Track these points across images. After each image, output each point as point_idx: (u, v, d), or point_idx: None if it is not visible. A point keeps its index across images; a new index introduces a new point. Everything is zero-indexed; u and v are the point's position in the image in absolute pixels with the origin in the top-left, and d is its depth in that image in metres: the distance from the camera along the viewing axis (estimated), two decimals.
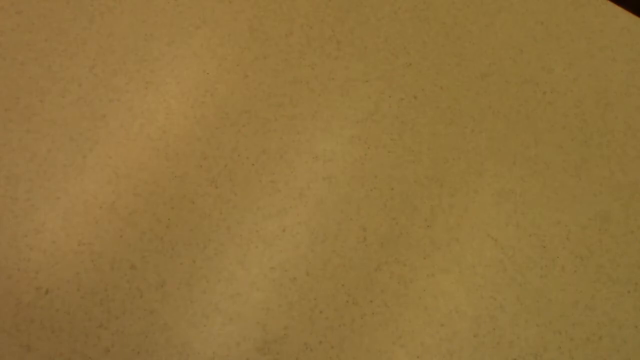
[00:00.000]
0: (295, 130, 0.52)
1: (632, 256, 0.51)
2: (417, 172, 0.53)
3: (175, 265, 0.47)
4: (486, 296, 0.48)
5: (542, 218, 0.52)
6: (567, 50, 0.59)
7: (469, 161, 0.53)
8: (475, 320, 0.47)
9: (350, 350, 0.46)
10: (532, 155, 0.54)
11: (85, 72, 0.53)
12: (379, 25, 0.58)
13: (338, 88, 0.55)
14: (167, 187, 0.50)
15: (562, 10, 0.62)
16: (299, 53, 0.56)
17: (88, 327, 0.45)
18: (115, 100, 0.52)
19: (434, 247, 0.50)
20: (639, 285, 0.50)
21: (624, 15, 0.62)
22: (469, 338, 0.47)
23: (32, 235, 0.47)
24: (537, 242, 0.51)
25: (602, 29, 0.61)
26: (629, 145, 0.56)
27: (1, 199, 0.48)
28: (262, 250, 0.48)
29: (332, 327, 0.46)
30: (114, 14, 0.55)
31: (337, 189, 0.51)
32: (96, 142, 0.50)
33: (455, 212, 0.51)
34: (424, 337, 0.47)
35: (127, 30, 0.55)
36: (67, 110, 0.51)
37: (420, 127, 0.54)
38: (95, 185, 0.49)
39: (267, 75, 0.54)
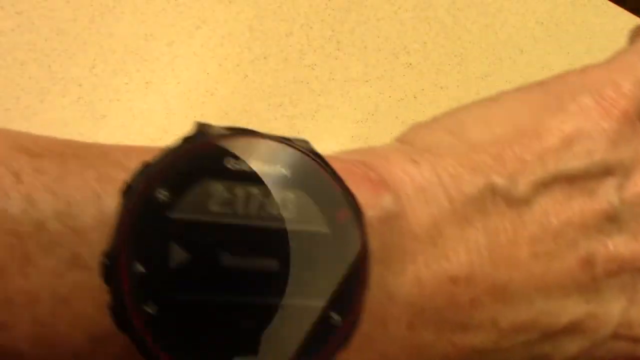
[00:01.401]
0: (295, 130, 0.52)
1: None
2: None
3: None
4: None
5: None
6: (567, 50, 0.60)
7: None
8: None
9: None
10: None
11: (85, 72, 0.53)
12: (379, 25, 0.58)
13: (338, 88, 0.55)
14: None
15: (562, 10, 0.62)
16: (299, 53, 0.56)
17: None
18: (115, 100, 0.52)
19: None
20: None
21: (624, 15, 0.62)
22: None
23: None
24: None
25: (602, 29, 0.61)
26: None
27: None
28: None
29: None
30: (114, 14, 0.55)
31: None
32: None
33: None
34: None
35: (127, 30, 0.55)
36: (67, 110, 0.51)
37: None
38: None
39: (267, 75, 0.54)
